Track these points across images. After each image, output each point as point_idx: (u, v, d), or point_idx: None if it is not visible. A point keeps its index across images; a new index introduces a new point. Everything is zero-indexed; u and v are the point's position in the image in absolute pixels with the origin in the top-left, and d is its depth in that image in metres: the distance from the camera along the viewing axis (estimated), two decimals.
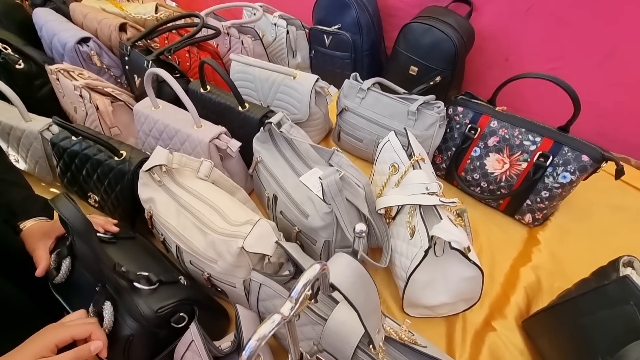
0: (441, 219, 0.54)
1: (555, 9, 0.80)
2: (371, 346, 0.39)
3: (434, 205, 0.57)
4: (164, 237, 0.62)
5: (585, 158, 0.65)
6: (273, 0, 1.42)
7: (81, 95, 0.85)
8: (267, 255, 0.51)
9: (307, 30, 1.17)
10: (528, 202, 0.74)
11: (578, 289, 0.49)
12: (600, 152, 0.64)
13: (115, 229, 0.59)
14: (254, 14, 1.17)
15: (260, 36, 1.22)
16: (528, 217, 0.76)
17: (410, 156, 0.67)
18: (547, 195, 0.71)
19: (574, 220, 0.75)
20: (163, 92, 0.94)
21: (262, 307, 0.51)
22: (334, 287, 0.30)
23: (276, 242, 0.51)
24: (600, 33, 0.77)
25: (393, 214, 0.66)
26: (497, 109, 0.75)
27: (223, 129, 0.74)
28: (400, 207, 0.64)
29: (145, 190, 0.62)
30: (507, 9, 0.87)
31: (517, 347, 0.58)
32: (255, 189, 0.83)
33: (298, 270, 0.51)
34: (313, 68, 1.24)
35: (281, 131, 0.65)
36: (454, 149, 0.81)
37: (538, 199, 0.72)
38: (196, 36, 1.00)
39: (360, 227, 0.41)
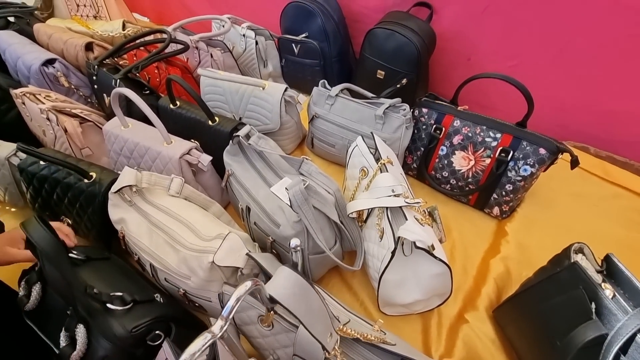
0: (407, 219, 0.56)
1: (509, 9, 0.84)
2: (325, 351, 0.40)
3: (400, 207, 0.58)
4: (137, 256, 0.62)
5: (542, 151, 0.68)
6: (241, 11, 1.43)
7: (48, 119, 0.85)
8: (239, 268, 0.52)
9: (276, 40, 1.18)
10: (495, 196, 0.77)
11: (537, 277, 0.51)
12: (556, 144, 0.67)
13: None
14: (223, 26, 1.18)
15: (230, 48, 1.23)
16: (496, 210, 0.79)
17: (377, 160, 0.69)
18: (511, 188, 0.74)
19: (539, 210, 0.79)
20: (133, 109, 0.93)
21: (237, 318, 0.52)
22: (273, 300, 0.32)
23: (247, 254, 0.52)
24: (551, 31, 0.81)
25: (364, 217, 0.67)
26: (459, 108, 0.78)
27: (193, 144, 0.75)
28: (370, 210, 0.66)
29: (116, 211, 0.62)
30: (464, 11, 0.91)
31: (488, 337, 0.60)
32: (231, 201, 0.84)
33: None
34: (285, 76, 1.26)
35: (249, 143, 0.66)
36: (422, 149, 0.84)
37: (503, 193, 0.75)
38: (165, 51, 1.00)
39: (295, 242, 0.42)
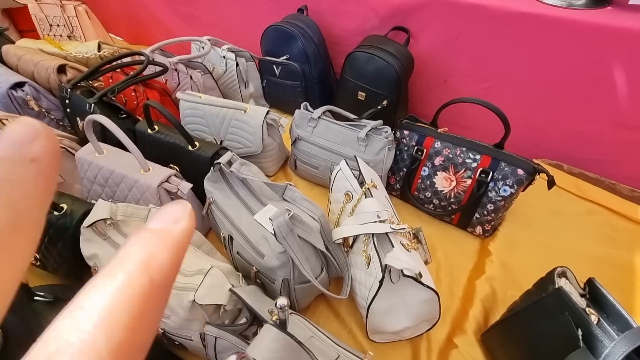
0: (393, 246, 0.56)
1: (481, 36, 0.87)
2: None
3: (387, 233, 0.58)
4: None
5: (520, 172, 0.70)
6: (220, 32, 1.43)
7: None
8: (222, 305, 0.50)
9: (257, 61, 1.19)
10: (477, 215, 0.78)
11: (523, 302, 0.52)
12: (532, 165, 0.69)
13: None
14: (202, 48, 1.17)
15: (211, 69, 1.22)
16: (479, 230, 0.80)
17: (362, 184, 0.69)
18: (492, 208, 0.75)
19: (520, 228, 0.80)
20: (108, 134, 0.89)
21: (220, 359, 0.49)
22: None
23: (230, 289, 0.49)
24: (521, 57, 0.84)
25: (350, 243, 0.66)
26: (439, 130, 0.80)
27: (172, 171, 0.73)
28: (356, 235, 0.65)
29: (89, 247, 0.59)
30: (439, 35, 0.94)
31: None
32: (212, 228, 0.81)
33: (255, 317, 0.50)
34: (266, 97, 1.25)
35: (231, 171, 0.64)
36: (405, 169, 0.84)
37: (485, 212, 0.76)
38: (143, 74, 0.98)
39: (282, 301, 0.40)
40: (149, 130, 0.84)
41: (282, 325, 0.39)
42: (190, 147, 0.78)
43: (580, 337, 0.41)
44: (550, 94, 0.86)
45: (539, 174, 0.70)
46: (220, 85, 1.21)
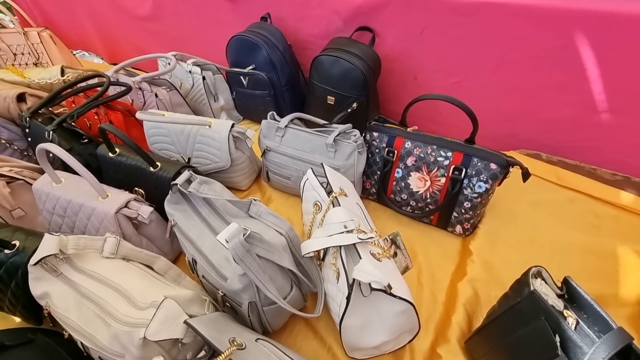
0: (361, 258, 0.52)
1: (444, 30, 0.85)
2: None
3: (354, 244, 0.55)
4: (68, 333, 0.54)
5: (493, 166, 0.67)
6: (191, 47, 1.41)
7: None
8: (179, 339, 0.46)
9: (223, 72, 1.16)
10: (455, 214, 0.75)
11: (500, 307, 0.49)
12: (505, 158, 0.67)
13: None
14: (169, 64, 1.14)
15: (178, 85, 1.19)
16: (458, 229, 0.77)
17: (329, 193, 0.66)
18: (469, 205, 0.72)
19: (501, 223, 0.78)
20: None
21: None
22: None
23: (185, 321, 0.46)
24: (487, 47, 0.82)
25: (321, 256, 0.63)
26: (408, 129, 0.77)
27: (131, 195, 0.69)
28: (326, 247, 0.62)
29: (38, 285, 0.55)
30: (404, 32, 0.92)
31: None
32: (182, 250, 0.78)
33: (213, 352, 0.46)
34: (237, 108, 1.23)
35: (189, 191, 0.61)
36: (378, 172, 0.82)
37: (462, 211, 0.74)
38: (108, 94, 0.95)
39: None
40: (110, 154, 0.80)
41: None
42: (151, 168, 0.75)
43: (558, 344, 0.38)
44: (520, 83, 0.84)
45: (512, 167, 0.67)
46: (189, 100, 1.18)
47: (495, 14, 0.78)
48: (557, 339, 0.38)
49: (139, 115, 0.83)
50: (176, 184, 0.61)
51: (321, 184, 0.68)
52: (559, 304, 0.42)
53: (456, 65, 0.89)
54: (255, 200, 0.64)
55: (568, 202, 0.80)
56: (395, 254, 0.72)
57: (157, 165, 0.75)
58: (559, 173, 0.84)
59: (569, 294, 0.43)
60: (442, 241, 0.78)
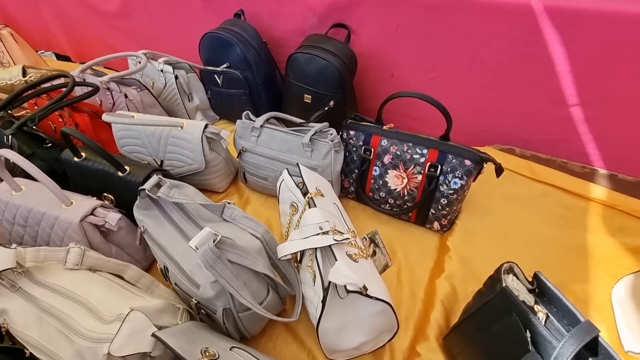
0: (336, 260, 0.52)
1: (418, 26, 0.85)
2: None
3: (330, 246, 0.54)
4: (29, 351, 0.51)
5: (467, 162, 0.68)
6: (162, 44, 1.36)
7: None
8: (147, 353, 0.44)
9: (197, 71, 1.12)
10: (432, 211, 0.75)
11: (474, 303, 0.49)
12: (479, 154, 0.67)
13: None
14: (139, 62, 1.10)
15: (150, 84, 1.15)
16: (436, 225, 0.78)
17: (305, 193, 0.65)
18: (446, 202, 0.73)
19: (477, 219, 0.79)
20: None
21: None
22: None
23: (153, 334, 0.44)
24: (459, 44, 0.83)
25: (298, 258, 0.62)
26: (384, 127, 0.77)
27: (97, 202, 0.66)
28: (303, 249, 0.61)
29: None
30: (379, 29, 0.91)
31: None
32: None
33: None
34: (213, 107, 1.19)
35: (158, 196, 0.58)
36: (356, 171, 0.81)
37: (439, 207, 0.74)
38: (74, 95, 0.90)
39: None
40: (76, 159, 0.76)
41: None
42: (119, 173, 0.71)
43: (529, 340, 0.38)
44: (493, 79, 0.85)
45: (486, 163, 0.68)
46: (162, 100, 1.14)
47: (466, 11, 0.78)
48: (528, 334, 0.39)
49: (105, 117, 0.79)
50: (144, 189, 0.59)
51: (297, 184, 0.66)
52: (529, 299, 0.42)
53: (431, 62, 0.89)
54: (229, 203, 0.62)
55: (541, 196, 0.82)
56: (374, 253, 0.72)
57: (126, 170, 0.72)
58: (532, 167, 0.86)
59: (539, 288, 0.43)
60: (420, 238, 0.79)
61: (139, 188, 0.60)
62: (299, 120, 0.88)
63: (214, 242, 0.47)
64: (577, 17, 0.70)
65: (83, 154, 0.77)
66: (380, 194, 0.80)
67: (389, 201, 0.80)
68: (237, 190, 0.96)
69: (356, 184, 0.83)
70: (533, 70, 0.80)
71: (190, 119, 1.16)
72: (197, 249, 0.47)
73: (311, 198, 0.62)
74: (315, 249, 0.55)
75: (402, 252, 0.76)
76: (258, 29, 1.03)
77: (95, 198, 0.73)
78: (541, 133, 0.87)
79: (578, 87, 0.78)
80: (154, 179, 0.60)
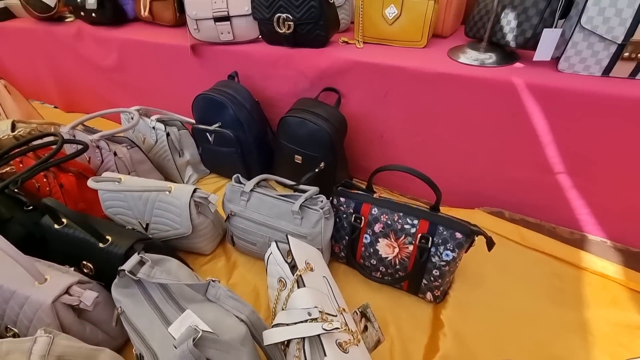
0: (326, 355, 0.48)
1: (407, 94, 0.89)
2: None
3: (318, 335, 0.51)
4: None
5: (458, 235, 0.67)
6: (156, 98, 1.38)
7: None
8: None
9: (190, 127, 1.13)
10: (424, 281, 0.73)
11: None
12: (469, 227, 0.67)
13: None
14: (132, 118, 1.11)
15: (142, 140, 1.15)
16: (429, 296, 0.75)
17: (294, 267, 0.63)
18: (438, 273, 0.71)
19: (470, 289, 0.77)
20: (9, 230, 0.79)
21: None
22: None
23: None
24: (447, 112, 0.86)
25: (286, 342, 0.58)
26: (374, 195, 0.76)
27: (73, 279, 0.62)
28: None
29: None
30: (368, 95, 0.95)
31: None
32: None
33: None
34: (204, 163, 1.19)
35: (139, 277, 0.56)
36: (347, 237, 0.80)
37: (432, 278, 0.72)
38: (64, 153, 0.89)
39: None
40: (56, 226, 0.74)
41: None
42: (100, 244, 0.69)
43: None
44: (479, 144, 0.87)
45: (477, 236, 0.67)
46: (152, 155, 1.14)
47: (452, 83, 0.82)
48: None
49: (90, 184, 0.77)
50: (123, 270, 0.56)
51: (286, 259, 0.64)
52: None
53: (420, 126, 0.92)
54: (213, 281, 0.60)
55: (533, 264, 0.81)
56: (365, 328, 0.69)
57: (107, 240, 0.69)
58: (522, 233, 0.86)
59: None
60: (413, 308, 0.76)
61: (118, 268, 0.57)
62: (290, 183, 0.88)
63: (194, 340, 0.44)
64: (556, 94, 0.73)
65: (64, 220, 0.74)
66: (372, 261, 0.78)
67: (380, 269, 0.78)
68: (224, 252, 0.93)
69: (347, 250, 0.81)
70: (518, 139, 0.82)
71: (180, 173, 1.15)
72: (175, 348, 0.44)
73: (300, 276, 0.60)
74: (303, 337, 0.52)
75: (394, 325, 0.73)
76: (251, 89, 1.06)
77: (72, 269, 0.69)
78: (529, 198, 0.88)
79: (562, 157, 0.80)
80: (135, 258, 0.57)
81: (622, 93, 0.68)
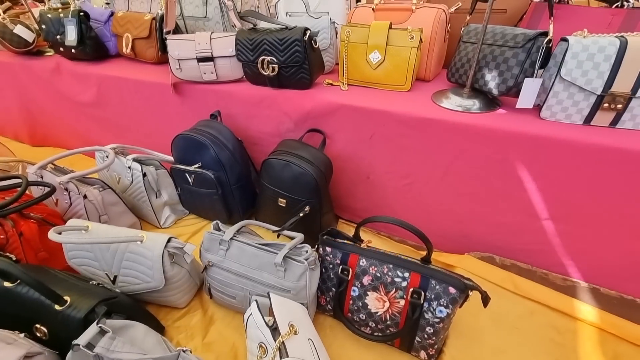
0: None
1: (392, 137, 0.88)
2: None
3: None
4: None
5: (452, 290, 0.63)
6: (134, 135, 1.33)
7: None
8: None
9: (168, 167, 1.08)
10: (417, 339, 0.68)
11: None
12: (463, 282, 0.63)
13: None
14: (107, 157, 1.05)
15: (117, 179, 1.09)
16: (423, 355, 0.70)
17: (275, 330, 0.57)
18: (432, 331, 0.66)
19: (466, 345, 0.72)
20: None
21: None
22: None
23: None
24: (433, 155, 0.86)
25: None
26: (362, 245, 0.72)
27: (20, 352, 0.54)
28: None
29: None
30: (354, 137, 0.93)
31: None
32: None
33: None
34: (183, 203, 1.14)
35: (95, 353, 0.48)
36: (333, 289, 0.75)
37: (425, 335, 0.67)
38: (27, 198, 0.82)
39: None
40: (7, 284, 0.65)
41: None
42: (57, 306, 0.61)
43: None
44: (466, 189, 0.86)
45: (471, 291, 0.63)
46: (127, 196, 1.07)
47: (437, 127, 0.81)
48: None
49: (52, 236, 0.70)
50: (78, 345, 0.49)
51: (267, 322, 0.58)
52: None
53: (406, 169, 0.90)
54: (184, 351, 0.53)
55: (528, 315, 0.77)
56: None
57: (65, 302, 0.61)
58: (515, 281, 0.83)
59: None
60: None
61: (73, 343, 0.50)
62: (273, 228, 0.83)
63: None
64: (540, 141, 0.73)
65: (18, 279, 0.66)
66: (360, 315, 0.73)
67: (370, 324, 0.73)
68: (201, 305, 0.85)
69: (334, 303, 0.76)
70: (504, 184, 0.81)
71: (156, 215, 1.08)
72: None
73: (283, 343, 0.54)
74: None
75: None
76: (233, 127, 1.03)
77: (23, 334, 0.61)
78: (519, 242, 0.86)
79: (547, 203, 0.79)
80: (93, 329, 0.50)
81: (603, 142, 0.69)
